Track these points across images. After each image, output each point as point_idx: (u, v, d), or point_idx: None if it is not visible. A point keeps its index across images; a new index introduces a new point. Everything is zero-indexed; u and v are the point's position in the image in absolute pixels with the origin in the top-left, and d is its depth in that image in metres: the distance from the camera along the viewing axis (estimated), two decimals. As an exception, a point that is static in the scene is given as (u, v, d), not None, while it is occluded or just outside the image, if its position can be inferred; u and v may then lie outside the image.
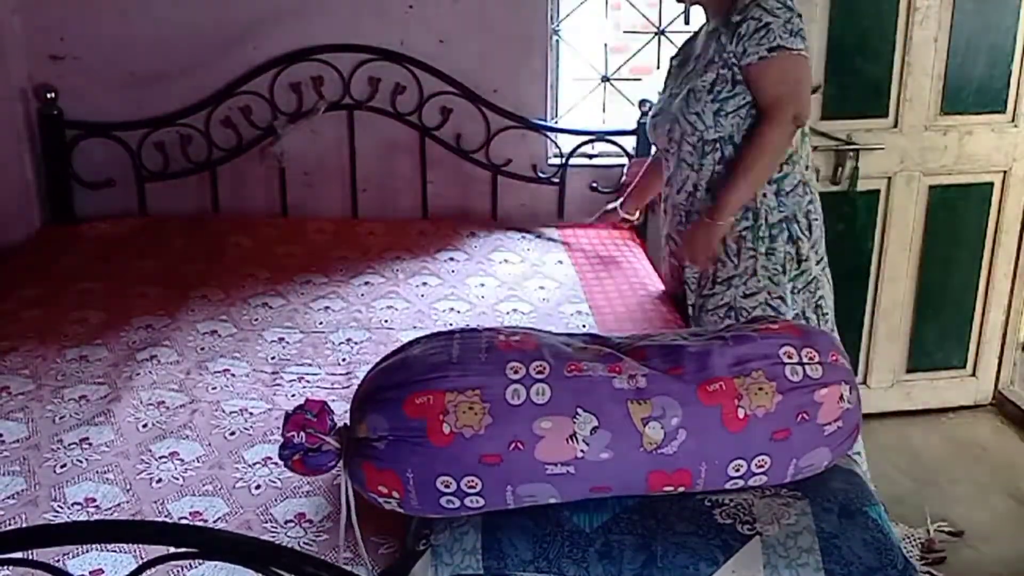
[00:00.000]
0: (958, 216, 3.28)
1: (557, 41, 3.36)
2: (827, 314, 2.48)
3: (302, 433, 1.30)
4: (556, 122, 3.41)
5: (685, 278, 2.47)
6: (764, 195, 2.34)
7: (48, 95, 3.08)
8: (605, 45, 3.41)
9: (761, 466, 1.27)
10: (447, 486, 1.23)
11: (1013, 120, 3.21)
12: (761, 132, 2.26)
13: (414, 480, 1.24)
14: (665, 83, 2.59)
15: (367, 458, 1.27)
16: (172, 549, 1.06)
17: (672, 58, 2.62)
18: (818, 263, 2.45)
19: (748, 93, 2.29)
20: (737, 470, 1.27)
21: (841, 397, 1.31)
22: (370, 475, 1.26)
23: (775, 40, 2.22)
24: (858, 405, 1.34)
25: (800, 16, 2.28)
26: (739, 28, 2.25)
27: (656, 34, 3.38)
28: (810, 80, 2.38)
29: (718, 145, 2.34)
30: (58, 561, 1.44)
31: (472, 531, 1.24)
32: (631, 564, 1.21)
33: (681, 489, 1.27)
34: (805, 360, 1.31)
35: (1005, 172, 3.26)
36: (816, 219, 2.43)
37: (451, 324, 2.50)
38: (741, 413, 1.26)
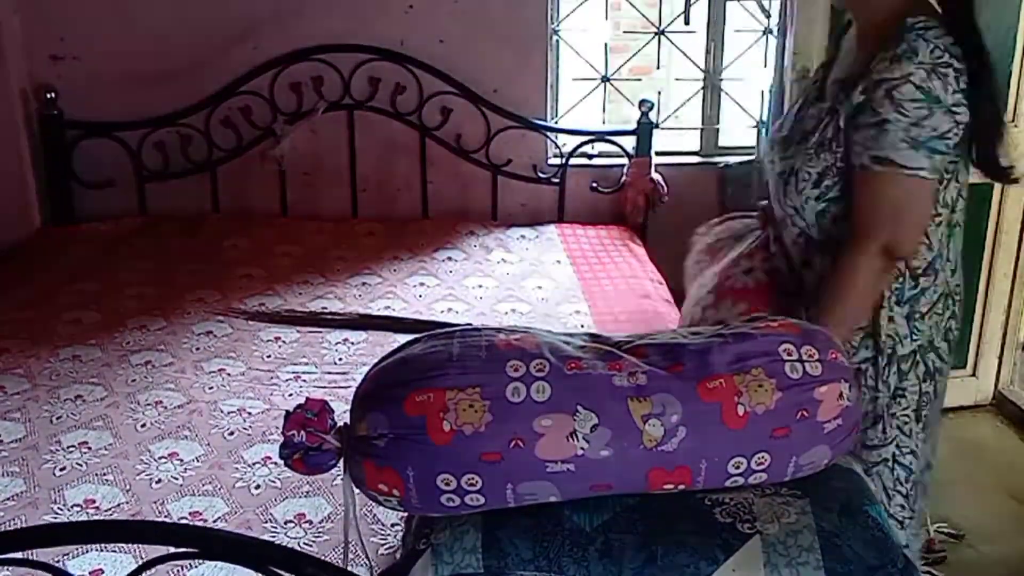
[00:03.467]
0: (958, 216, 3.28)
1: (557, 41, 3.36)
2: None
3: (302, 432, 1.31)
4: (556, 122, 3.41)
5: None
6: (891, 318, 1.78)
7: (48, 95, 3.08)
8: (605, 45, 3.41)
9: (761, 463, 1.27)
10: (447, 484, 1.23)
11: (1013, 120, 3.21)
12: (842, 262, 1.70)
13: (414, 478, 1.24)
14: (797, 102, 1.93)
15: (367, 456, 1.27)
16: (172, 549, 1.06)
17: (821, 66, 1.93)
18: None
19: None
20: (737, 467, 1.27)
21: (841, 395, 1.31)
22: (370, 473, 1.26)
23: (885, 148, 1.62)
24: (858, 403, 1.35)
25: (959, 98, 1.62)
26: (858, 116, 1.66)
27: (656, 34, 3.38)
28: (925, 207, 1.70)
29: (828, 247, 1.77)
30: (58, 561, 1.44)
31: (472, 530, 1.24)
32: (631, 563, 1.21)
33: (681, 487, 1.28)
34: (805, 358, 1.31)
35: (1005, 172, 3.26)
36: (957, 333, 1.87)
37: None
38: (741, 410, 1.26)
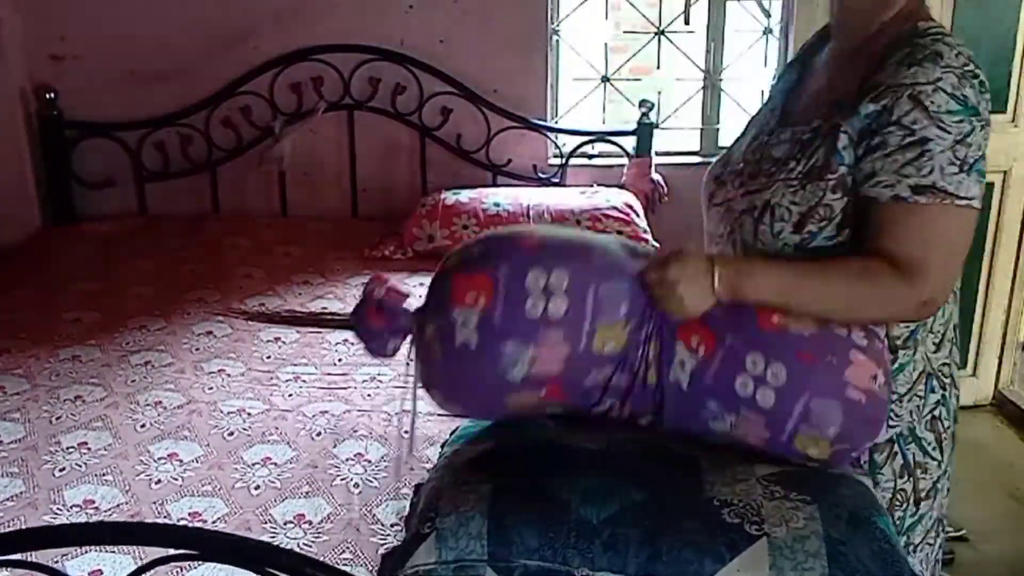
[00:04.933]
0: (958, 216, 3.28)
1: (557, 41, 3.36)
2: None
3: (383, 288, 1.38)
4: (556, 122, 3.41)
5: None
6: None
7: (48, 95, 3.08)
8: (605, 45, 3.41)
9: (775, 377, 1.27)
10: (536, 283, 1.27)
11: (1013, 120, 3.21)
12: (881, 282, 1.34)
13: (505, 279, 1.28)
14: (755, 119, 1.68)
15: (457, 270, 1.34)
16: (171, 551, 1.06)
17: (776, 82, 1.71)
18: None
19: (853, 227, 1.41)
20: (754, 366, 1.27)
21: (875, 377, 1.30)
22: (459, 285, 1.31)
23: (930, 174, 1.31)
24: (885, 404, 1.34)
25: (987, 106, 1.35)
26: (875, 125, 1.35)
27: (656, 34, 3.38)
28: (968, 244, 1.37)
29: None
30: (57, 563, 1.44)
31: (478, 516, 1.24)
32: (636, 557, 1.21)
33: (702, 350, 1.30)
34: (855, 329, 1.33)
35: (1005, 172, 3.26)
36: (949, 424, 1.56)
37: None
38: (776, 319, 1.30)
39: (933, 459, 1.54)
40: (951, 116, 1.31)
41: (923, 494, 1.55)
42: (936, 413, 1.53)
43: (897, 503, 1.54)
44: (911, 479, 1.54)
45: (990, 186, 3.26)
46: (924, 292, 1.34)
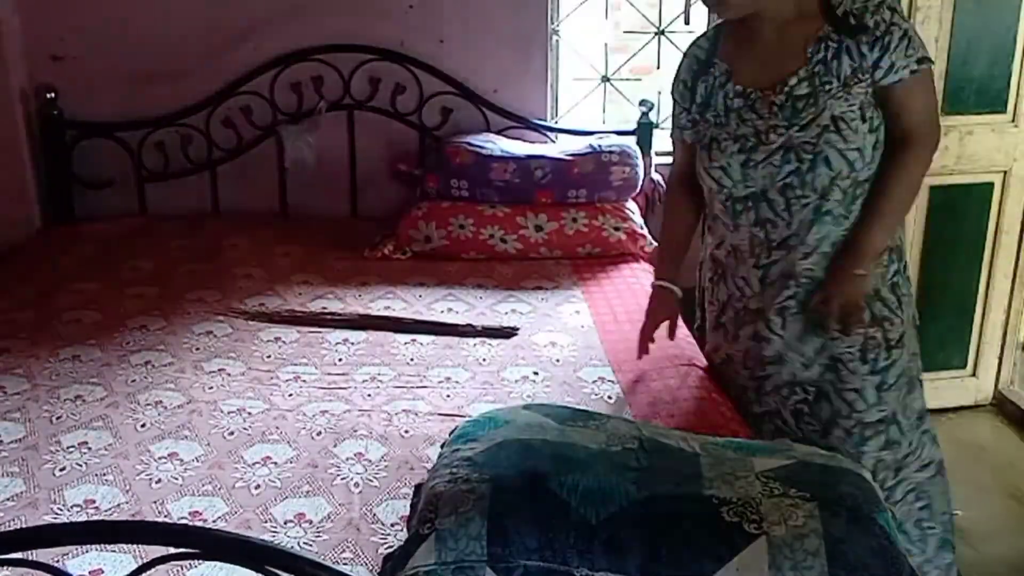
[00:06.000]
0: (958, 216, 3.27)
1: (557, 41, 3.36)
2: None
3: None
4: (556, 122, 3.41)
5: (838, 354, 1.97)
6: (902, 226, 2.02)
7: (48, 95, 3.08)
8: (605, 45, 3.41)
9: None
10: None
11: (1014, 120, 3.21)
12: (913, 161, 1.90)
13: None
14: (694, 122, 2.04)
15: None
16: (172, 550, 1.06)
17: (683, 83, 2.08)
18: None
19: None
20: None
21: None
22: None
23: (920, 50, 1.84)
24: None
25: None
26: (884, 37, 1.82)
27: (656, 34, 3.38)
28: None
29: (867, 186, 1.91)
30: (57, 561, 1.44)
31: (478, 517, 1.23)
32: (636, 558, 1.21)
33: None
34: None
35: (1005, 172, 3.26)
36: (906, 295, 2.07)
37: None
38: None
39: (896, 315, 1.99)
40: (898, 13, 1.84)
41: (893, 343, 1.98)
42: (896, 280, 2.00)
43: (870, 347, 1.96)
44: (880, 328, 1.96)
45: (990, 186, 3.26)
46: (937, 137, 1.92)
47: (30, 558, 1.09)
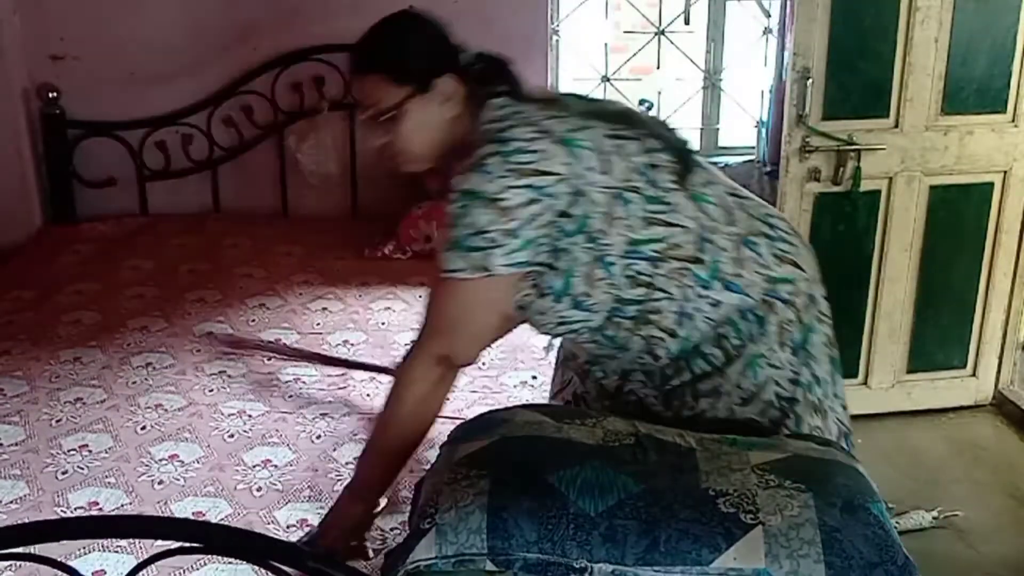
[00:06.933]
0: (958, 216, 3.28)
1: (557, 41, 3.36)
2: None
3: None
4: (556, 122, 3.40)
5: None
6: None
7: (50, 95, 3.08)
8: (605, 45, 3.42)
9: None
10: None
11: (1013, 120, 3.21)
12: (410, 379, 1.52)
13: None
14: None
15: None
16: (174, 544, 1.06)
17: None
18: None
19: None
20: None
21: None
22: None
23: (445, 257, 1.51)
24: None
25: (511, 174, 1.45)
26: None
27: (656, 34, 3.38)
28: (474, 307, 1.54)
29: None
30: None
31: (477, 511, 1.25)
32: (634, 548, 1.23)
33: None
34: None
35: (1005, 172, 3.26)
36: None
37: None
38: None
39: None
40: (454, 207, 1.49)
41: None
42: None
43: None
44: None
45: (990, 186, 3.26)
46: (435, 347, 1.51)
47: (33, 552, 1.09)
